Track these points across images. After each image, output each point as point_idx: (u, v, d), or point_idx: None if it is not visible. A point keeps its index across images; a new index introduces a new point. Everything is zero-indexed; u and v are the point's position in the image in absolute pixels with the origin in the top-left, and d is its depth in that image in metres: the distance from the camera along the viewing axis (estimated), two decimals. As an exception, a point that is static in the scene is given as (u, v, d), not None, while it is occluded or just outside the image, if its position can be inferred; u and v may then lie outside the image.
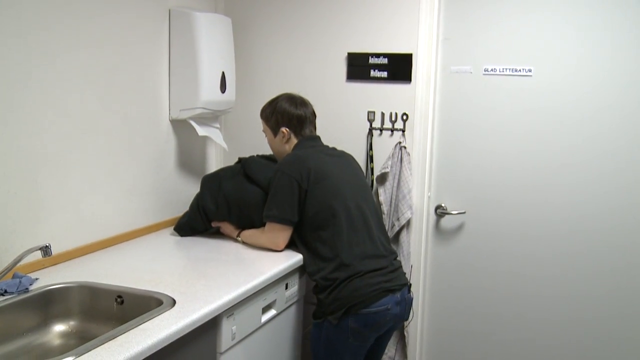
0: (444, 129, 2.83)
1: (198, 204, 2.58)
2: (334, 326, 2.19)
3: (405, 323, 2.77)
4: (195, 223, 2.59)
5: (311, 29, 2.92)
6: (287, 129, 2.47)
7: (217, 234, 2.63)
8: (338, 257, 2.23)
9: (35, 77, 2.00)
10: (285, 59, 3.00)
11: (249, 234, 2.48)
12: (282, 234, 2.36)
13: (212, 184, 2.58)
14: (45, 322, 1.86)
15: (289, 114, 2.47)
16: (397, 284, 2.26)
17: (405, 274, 2.39)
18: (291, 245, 2.40)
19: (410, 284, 2.36)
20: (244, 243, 2.49)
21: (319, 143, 2.53)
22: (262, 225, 2.42)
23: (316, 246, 2.29)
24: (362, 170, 2.62)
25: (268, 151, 2.65)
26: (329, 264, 2.23)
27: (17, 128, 1.95)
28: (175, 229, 2.63)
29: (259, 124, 2.57)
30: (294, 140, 2.49)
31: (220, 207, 2.53)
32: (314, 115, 2.54)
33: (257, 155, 2.71)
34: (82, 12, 2.17)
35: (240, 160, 2.66)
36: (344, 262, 2.21)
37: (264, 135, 2.57)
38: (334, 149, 2.56)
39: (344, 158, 2.52)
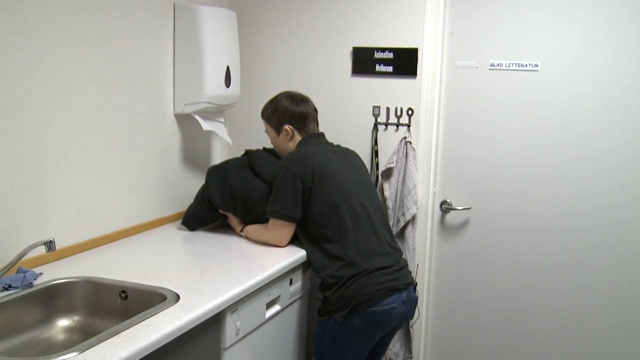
0: (449, 124, 2.82)
1: (203, 195, 2.57)
2: (340, 324, 2.19)
3: (411, 321, 2.76)
4: (202, 214, 2.58)
5: (316, 23, 2.91)
6: (290, 127, 2.46)
7: (222, 228, 2.62)
8: (345, 255, 2.22)
9: (38, 72, 2.00)
10: (290, 53, 2.99)
11: (252, 229, 2.47)
12: (285, 230, 2.35)
13: (218, 175, 2.56)
14: (49, 317, 1.86)
15: (290, 112, 2.45)
16: (403, 283, 2.25)
17: (410, 272, 2.38)
18: (295, 241, 2.39)
19: (416, 283, 2.35)
20: (247, 238, 2.48)
21: (323, 140, 2.52)
22: (266, 220, 2.41)
23: (322, 244, 2.28)
24: (366, 168, 2.61)
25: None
26: (336, 262, 2.23)
27: (21, 123, 1.95)
28: (183, 223, 2.62)
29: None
30: (298, 138, 2.47)
31: (226, 198, 2.52)
32: (315, 111, 2.53)
33: (264, 149, 2.69)
34: (85, 6, 2.16)
35: (247, 152, 2.65)
36: (351, 260, 2.20)
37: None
38: (338, 146, 2.55)
39: (349, 156, 2.51)
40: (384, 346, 2.44)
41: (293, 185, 2.30)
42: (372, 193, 2.46)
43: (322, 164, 2.33)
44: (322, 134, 2.53)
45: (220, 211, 2.57)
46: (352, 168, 2.45)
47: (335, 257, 2.23)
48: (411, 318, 2.39)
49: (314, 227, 2.31)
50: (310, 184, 2.29)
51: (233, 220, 2.56)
